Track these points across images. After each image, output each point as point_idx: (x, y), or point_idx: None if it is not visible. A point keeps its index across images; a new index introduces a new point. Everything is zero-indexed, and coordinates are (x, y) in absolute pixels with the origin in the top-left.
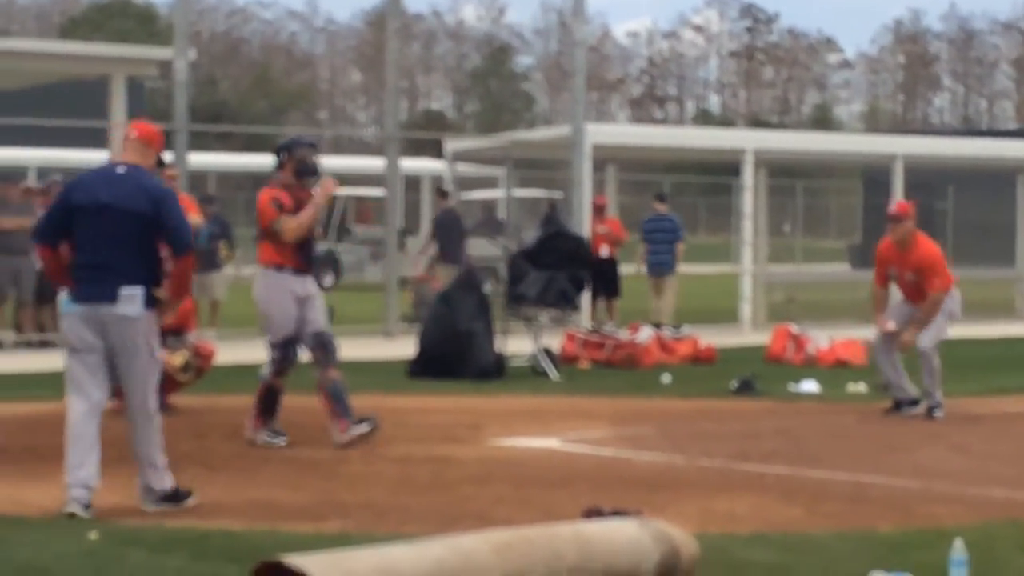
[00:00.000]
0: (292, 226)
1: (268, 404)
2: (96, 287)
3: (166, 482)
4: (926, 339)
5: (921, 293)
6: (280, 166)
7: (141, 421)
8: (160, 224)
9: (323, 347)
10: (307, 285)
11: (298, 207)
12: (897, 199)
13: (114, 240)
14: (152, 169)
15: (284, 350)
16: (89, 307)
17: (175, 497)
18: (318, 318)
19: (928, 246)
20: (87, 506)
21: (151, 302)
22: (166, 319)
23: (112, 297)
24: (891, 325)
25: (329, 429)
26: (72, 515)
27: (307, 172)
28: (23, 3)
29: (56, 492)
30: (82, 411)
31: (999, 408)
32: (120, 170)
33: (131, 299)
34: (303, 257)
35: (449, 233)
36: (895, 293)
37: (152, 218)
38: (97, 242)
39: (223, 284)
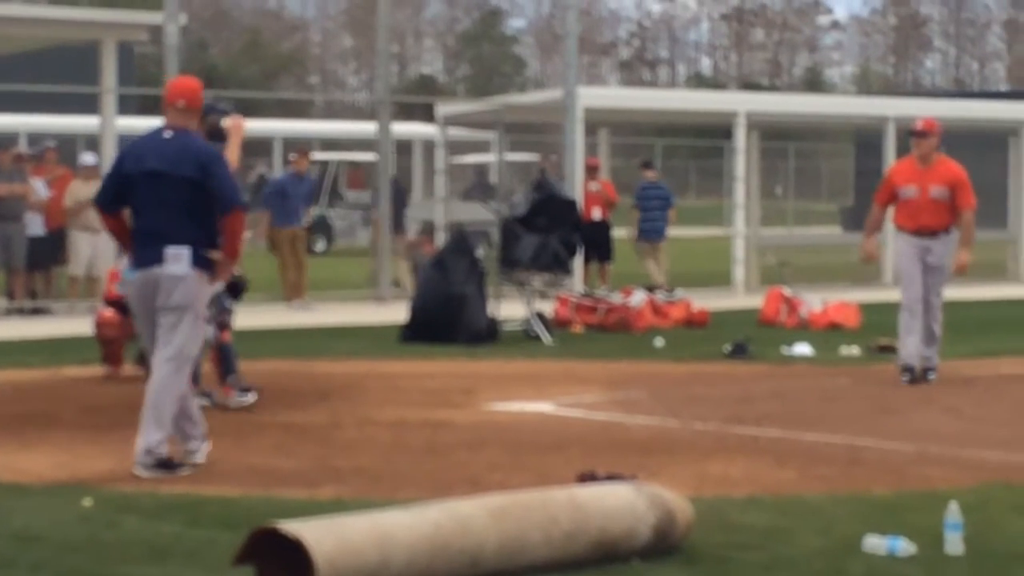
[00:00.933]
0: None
1: (228, 363)
2: (148, 252)
3: (164, 449)
4: (940, 289)
5: (939, 213)
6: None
7: (164, 380)
8: (207, 186)
9: (223, 309)
10: None
11: None
12: (889, 161)
13: (165, 205)
14: (197, 128)
15: (220, 305)
16: (144, 272)
17: (169, 465)
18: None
19: (955, 163)
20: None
21: (201, 263)
22: (222, 279)
23: (160, 259)
24: (873, 244)
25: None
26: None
27: (216, 137)
28: None
29: (48, 460)
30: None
31: (992, 370)
32: (167, 135)
33: (177, 258)
34: None
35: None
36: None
37: (200, 181)
38: (149, 208)
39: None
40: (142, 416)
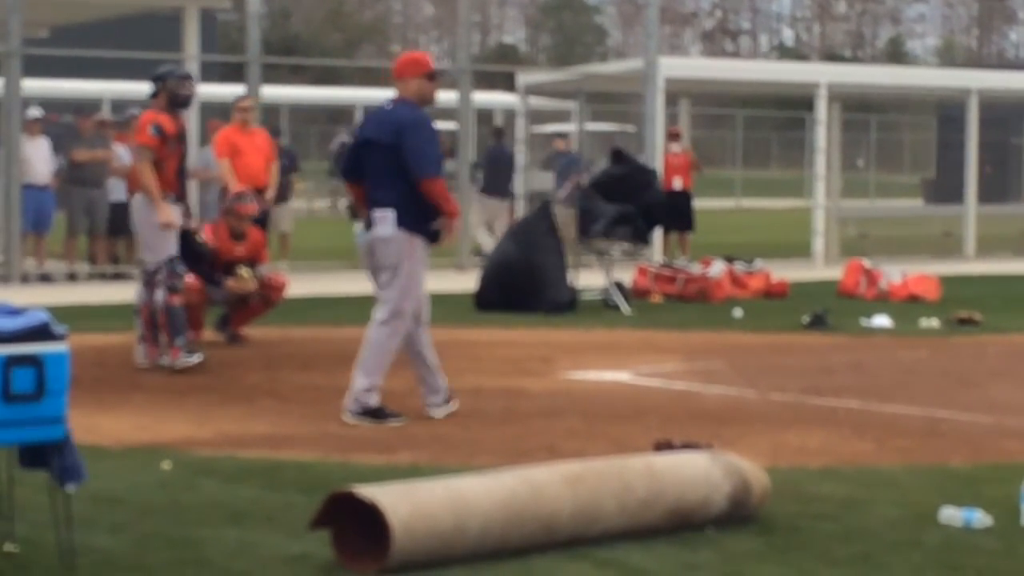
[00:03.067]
0: (143, 175)
1: (176, 326)
2: (368, 217)
3: (373, 398)
4: None
5: None
6: (155, 94)
7: (378, 339)
8: (401, 152)
9: (174, 272)
10: (179, 213)
11: (179, 134)
12: (972, 134)
13: (374, 172)
14: (416, 95)
15: (171, 268)
16: (364, 235)
17: (377, 414)
18: (175, 245)
19: None
20: (447, 401)
21: (407, 224)
22: (449, 239)
23: (370, 222)
24: None
25: (149, 351)
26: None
27: (179, 103)
28: None
29: (129, 424)
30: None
31: None
32: (387, 105)
33: (383, 220)
34: (181, 184)
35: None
36: None
37: (396, 147)
38: (371, 175)
39: (289, 216)
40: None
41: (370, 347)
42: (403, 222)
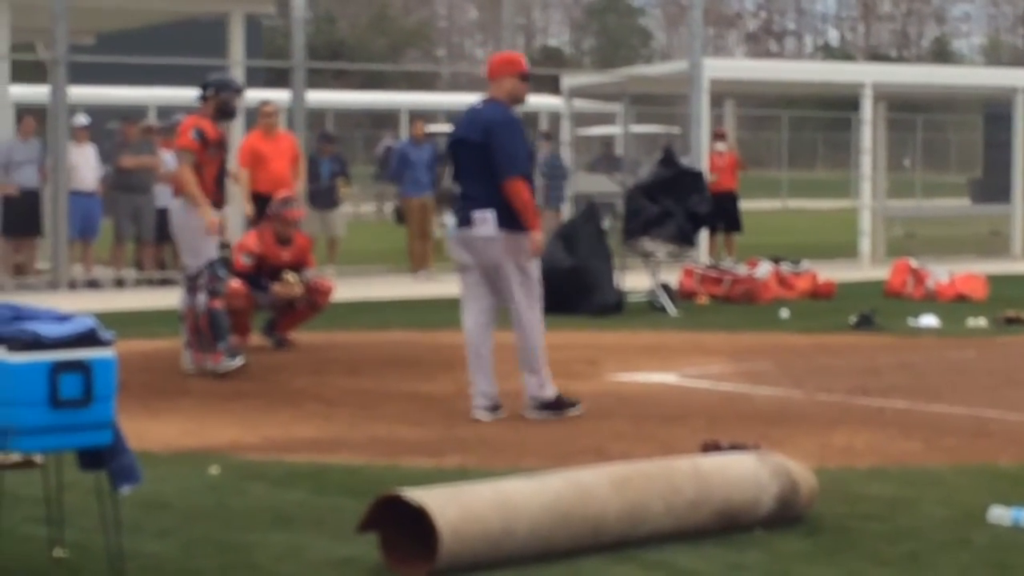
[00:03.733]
0: (184, 179)
1: (219, 330)
2: (461, 213)
3: (547, 391)
4: None
5: None
6: (203, 99)
7: (522, 328)
8: (489, 151)
9: (216, 276)
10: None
11: (220, 141)
12: (1020, 133)
13: (467, 170)
14: (508, 94)
15: (212, 271)
16: (459, 231)
17: (557, 405)
18: (215, 248)
19: None
20: (494, 409)
21: (508, 224)
22: (535, 249)
23: (468, 221)
24: None
25: (195, 356)
26: (475, 419)
27: (226, 115)
28: None
29: (176, 429)
30: (470, 326)
31: None
32: (478, 105)
33: (483, 221)
34: (220, 191)
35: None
36: None
37: (485, 146)
38: (459, 173)
39: (342, 221)
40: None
41: (525, 343)
42: (504, 222)
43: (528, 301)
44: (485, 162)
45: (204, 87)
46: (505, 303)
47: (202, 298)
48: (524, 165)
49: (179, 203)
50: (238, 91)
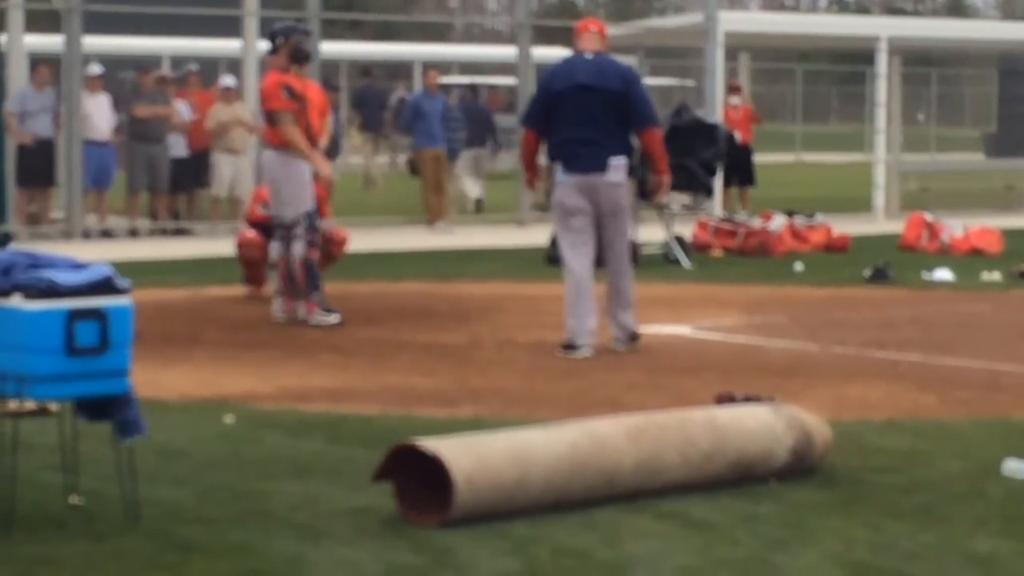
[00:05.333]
0: (292, 137)
1: (314, 281)
2: (588, 160)
3: (634, 324)
4: None
5: None
6: (275, 50)
7: (623, 270)
8: (627, 99)
9: (313, 227)
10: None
11: (302, 92)
12: None
13: (598, 117)
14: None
15: (309, 222)
16: (583, 176)
17: (636, 337)
18: (312, 199)
19: None
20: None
21: (630, 172)
22: (662, 196)
23: (603, 167)
24: None
25: (286, 304)
26: (583, 357)
27: (302, 58)
28: None
29: (191, 378)
30: (580, 269)
31: None
32: (588, 56)
33: (618, 168)
34: (311, 141)
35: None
36: None
37: (624, 95)
38: (582, 119)
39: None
40: (609, 300)
41: (622, 282)
42: (629, 170)
43: (627, 246)
44: (619, 111)
45: (272, 37)
46: (608, 246)
47: (299, 247)
48: (657, 115)
49: (273, 155)
50: (307, 33)
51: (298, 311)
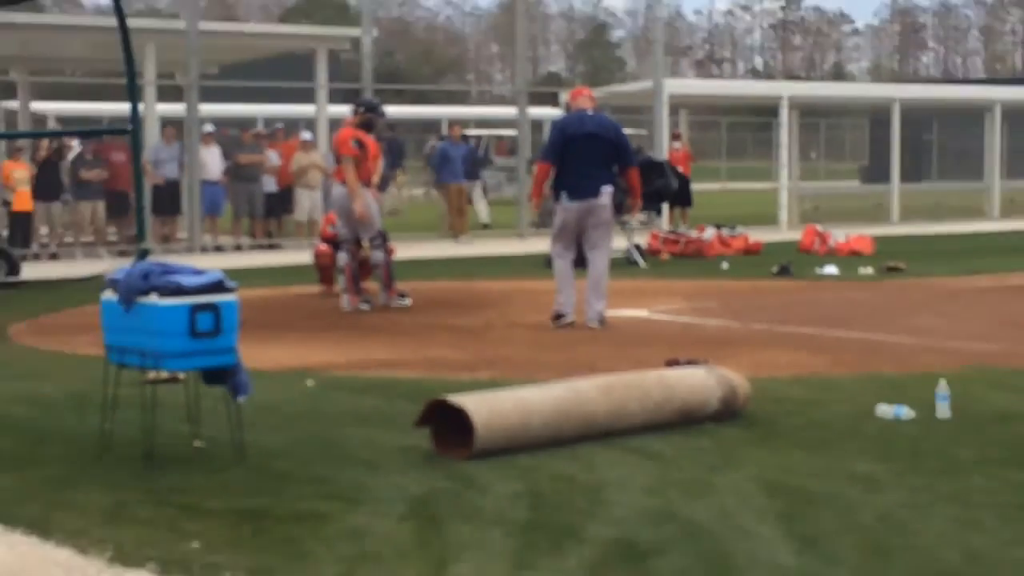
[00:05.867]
0: (349, 177)
1: (392, 276)
2: (588, 189)
3: (605, 311)
4: None
5: None
6: (355, 113)
7: (604, 269)
8: (618, 147)
9: (384, 240)
10: (371, 198)
11: (365, 144)
12: (896, 133)
13: (597, 158)
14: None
15: (383, 237)
16: (583, 202)
17: (605, 321)
18: (379, 221)
19: None
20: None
21: (612, 197)
22: (635, 212)
23: (597, 193)
24: None
25: (378, 292)
26: (567, 323)
27: (370, 127)
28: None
29: (282, 353)
30: (565, 266)
31: (973, 284)
32: (590, 113)
33: (606, 194)
34: (368, 181)
35: None
36: None
37: (616, 143)
38: (587, 159)
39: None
40: (588, 292)
41: (600, 276)
42: (613, 196)
43: (610, 250)
44: (610, 153)
45: (358, 104)
46: (592, 248)
47: (379, 255)
48: (635, 158)
49: (341, 189)
50: (381, 115)
51: (380, 298)
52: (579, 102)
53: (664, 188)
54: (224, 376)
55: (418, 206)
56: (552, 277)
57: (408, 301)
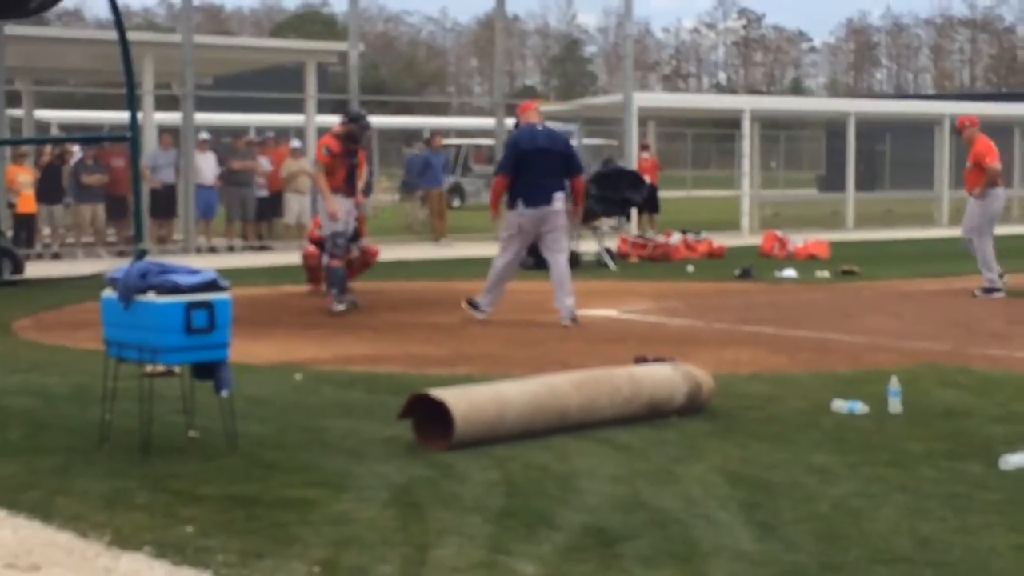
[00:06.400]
0: (319, 181)
1: (334, 282)
2: (542, 197)
3: (575, 308)
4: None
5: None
6: (342, 123)
7: (564, 269)
8: (566, 156)
9: (341, 247)
10: (348, 205)
11: (344, 153)
12: (851, 145)
13: (548, 169)
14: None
15: (347, 241)
16: (538, 209)
17: (576, 319)
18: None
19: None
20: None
21: (564, 204)
22: (575, 218)
23: (550, 200)
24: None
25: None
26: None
27: (350, 139)
28: (244, 14)
29: (272, 348)
30: (504, 267)
31: (923, 287)
32: (539, 128)
33: (559, 199)
34: (350, 186)
35: None
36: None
37: (565, 153)
38: (540, 170)
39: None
40: (556, 291)
41: (564, 275)
42: (563, 202)
43: (567, 250)
44: (561, 164)
45: (345, 114)
46: (550, 252)
47: (325, 259)
48: (583, 167)
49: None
50: (365, 126)
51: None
52: (528, 116)
53: (632, 195)
54: (212, 371)
55: (399, 210)
56: (525, 279)
57: (341, 307)
